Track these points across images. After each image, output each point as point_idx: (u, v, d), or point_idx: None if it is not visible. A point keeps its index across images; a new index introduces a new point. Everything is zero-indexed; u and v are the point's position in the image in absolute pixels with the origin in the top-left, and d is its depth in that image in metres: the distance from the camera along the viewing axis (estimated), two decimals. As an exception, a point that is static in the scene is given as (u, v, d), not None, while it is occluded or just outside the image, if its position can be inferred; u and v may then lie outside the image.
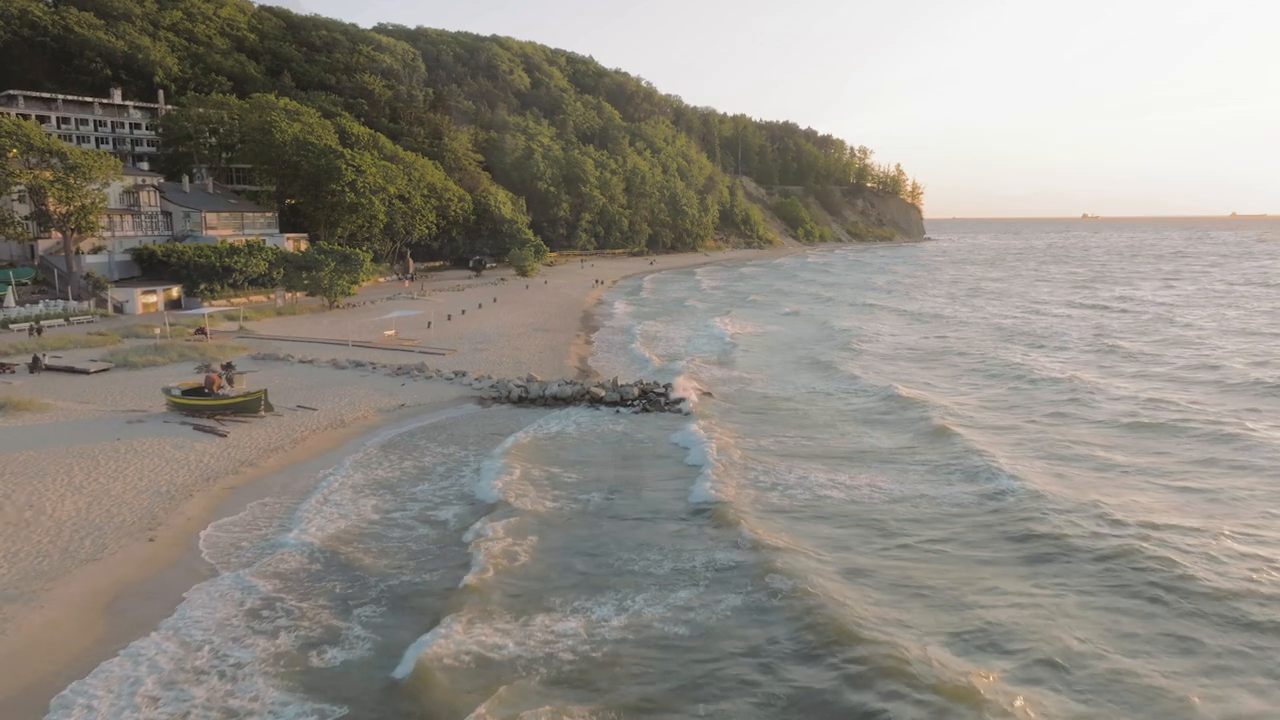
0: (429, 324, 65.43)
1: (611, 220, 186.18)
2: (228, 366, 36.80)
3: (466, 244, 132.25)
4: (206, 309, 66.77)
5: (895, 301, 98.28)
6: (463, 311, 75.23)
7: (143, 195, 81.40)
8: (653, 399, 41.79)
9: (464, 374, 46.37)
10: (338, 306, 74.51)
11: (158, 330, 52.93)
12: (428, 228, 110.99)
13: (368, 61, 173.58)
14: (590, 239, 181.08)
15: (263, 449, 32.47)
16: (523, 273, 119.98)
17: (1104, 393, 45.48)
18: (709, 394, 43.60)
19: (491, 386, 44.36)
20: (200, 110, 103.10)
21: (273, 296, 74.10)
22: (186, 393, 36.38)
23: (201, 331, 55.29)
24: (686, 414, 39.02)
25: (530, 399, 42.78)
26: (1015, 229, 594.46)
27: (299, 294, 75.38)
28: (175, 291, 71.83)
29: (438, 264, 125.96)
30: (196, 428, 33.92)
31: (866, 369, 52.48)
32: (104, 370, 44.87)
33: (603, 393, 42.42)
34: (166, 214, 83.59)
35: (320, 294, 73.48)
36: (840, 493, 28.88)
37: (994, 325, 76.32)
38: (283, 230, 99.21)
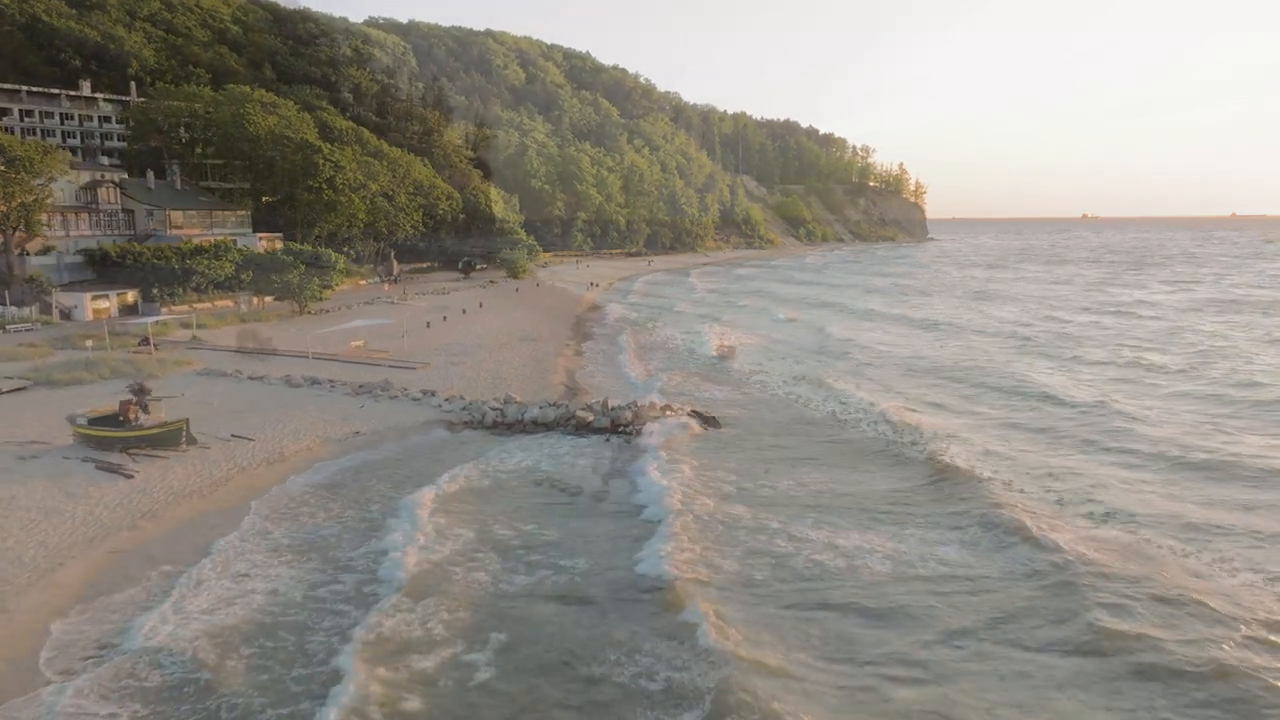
0: (404, 333, 59.79)
1: (608, 220, 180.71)
2: (139, 391, 31.16)
3: (456, 244, 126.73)
4: (162, 315, 61.19)
5: (898, 307, 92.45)
6: (443, 318, 69.56)
7: (101, 192, 75.69)
8: (644, 426, 36.24)
9: (433, 394, 40.76)
10: (308, 312, 68.83)
11: (89, 342, 47.13)
12: (413, 227, 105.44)
13: (356, 55, 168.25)
14: (586, 239, 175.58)
15: (175, 494, 26.87)
16: (514, 274, 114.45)
17: (1142, 418, 39.25)
18: (712, 420, 37.84)
19: (463, 409, 38.74)
20: (170, 102, 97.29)
21: (237, 301, 68.40)
22: (95, 422, 30.74)
23: (146, 342, 49.58)
24: (662, 447, 33.31)
25: (507, 424, 37.18)
26: (1016, 229, 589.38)
27: (266, 298, 69.72)
28: (131, 296, 66.12)
29: (425, 265, 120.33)
30: (99, 466, 28.31)
31: (868, 388, 46.44)
32: (19, 389, 39.21)
33: (590, 417, 36.81)
34: (128, 212, 77.89)
35: (289, 299, 67.80)
36: (836, 561, 22.84)
37: (1006, 334, 70.55)
38: (257, 230, 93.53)
